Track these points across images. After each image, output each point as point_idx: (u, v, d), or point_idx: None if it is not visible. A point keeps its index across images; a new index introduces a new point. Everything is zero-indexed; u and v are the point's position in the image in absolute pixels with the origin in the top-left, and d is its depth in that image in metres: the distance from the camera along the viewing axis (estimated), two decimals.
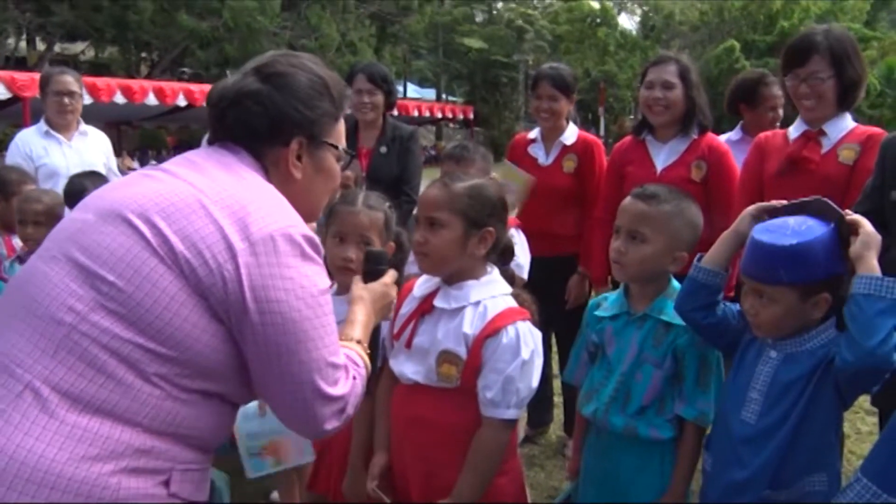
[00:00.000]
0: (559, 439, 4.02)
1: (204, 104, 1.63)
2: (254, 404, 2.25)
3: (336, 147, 1.62)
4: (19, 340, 1.28)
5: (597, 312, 2.23)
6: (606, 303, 2.23)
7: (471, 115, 29.84)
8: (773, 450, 1.83)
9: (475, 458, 1.91)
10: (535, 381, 1.91)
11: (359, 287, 1.80)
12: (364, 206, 2.24)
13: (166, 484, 1.32)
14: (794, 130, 2.92)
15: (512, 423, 1.93)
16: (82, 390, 1.26)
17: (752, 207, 1.95)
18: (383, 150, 3.95)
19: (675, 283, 2.12)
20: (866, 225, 1.75)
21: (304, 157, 1.56)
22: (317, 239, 1.46)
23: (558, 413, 4.12)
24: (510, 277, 2.07)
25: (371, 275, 1.84)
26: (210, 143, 1.57)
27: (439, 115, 28.25)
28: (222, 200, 1.37)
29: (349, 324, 1.68)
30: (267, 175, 1.52)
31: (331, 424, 1.45)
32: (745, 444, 1.87)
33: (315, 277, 1.42)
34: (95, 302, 1.29)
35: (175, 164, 1.50)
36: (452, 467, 1.93)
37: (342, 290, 2.14)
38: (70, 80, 4.24)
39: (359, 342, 1.63)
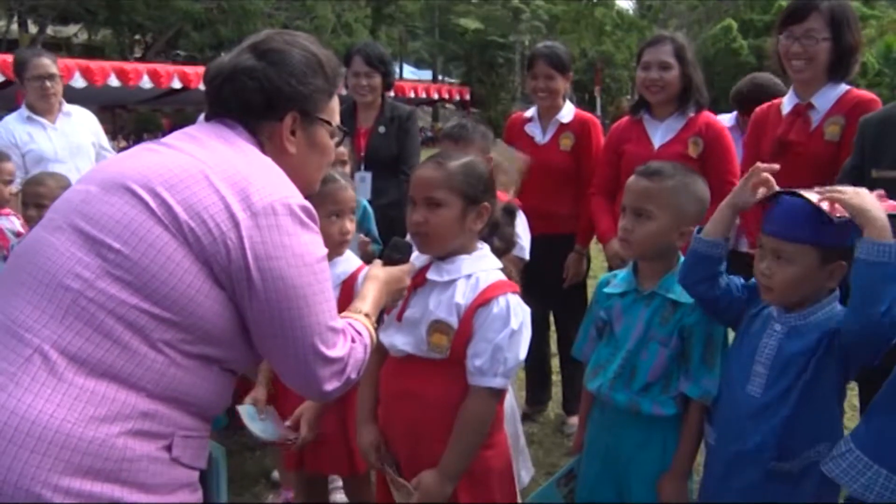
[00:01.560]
0: (558, 417, 4.04)
1: (199, 86, 1.66)
2: (254, 408, 2.39)
3: (329, 123, 1.66)
4: (27, 307, 1.33)
5: (606, 289, 2.23)
6: (616, 280, 2.23)
7: (467, 97, 29.65)
8: (777, 421, 1.84)
9: (461, 427, 1.93)
10: (522, 353, 1.93)
11: (376, 267, 1.87)
12: (346, 181, 2.35)
13: (168, 449, 1.37)
14: (786, 103, 2.91)
15: (498, 392, 1.94)
16: (89, 354, 1.30)
17: (750, 180, 1.89)
18: (382, 129, 3.94)
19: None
20: (845, 193, 1.69)
21: (298, 131, 1.61)
22: (313, 209, 1.51)
23: (557, 391, 4.15)
24: (497, 251, 2.08)
25: (392, 261, 1.92)
26: (207, 119, 1.61)
27: (435, 97, 28.07)
28: (224, 172, 1.42)
29: (360, 298, 1.75)
30: (262, 149, 1.56)
31: (331, 385, 1.50)
32: (751, 417, 1.88)
33: (313, 245, 1.48)
34: (101, 269, 1.34)
35: (175, 138, 1.55)
36: (440, 441, 1.94)
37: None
38: (48, 62, 4.10)
39: (367, 315, 1.69)
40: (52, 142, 4.11)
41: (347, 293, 2.16)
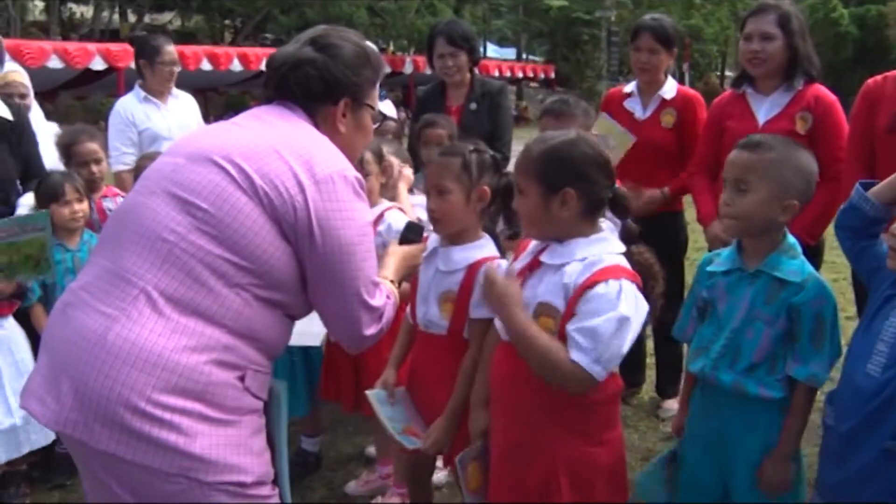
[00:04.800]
0: (652, 400, 3.97)
1: None
2: (385, 392, 2.41)
3: (372, 108, 1.95)
4: (131, 256, 1.61)
5: (708, 268, 2.19)
6: (719, 258, 2.17)
7: (552, 75, 29.33)
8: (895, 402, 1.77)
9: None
10: (625, 345, 1.78)
11: (394, 245, 2.19)
12: (437, 156, 2.33)
13: (242, 379, 1.65)
14: None
15: (592, 380, 1.77)
16: (182, 295, 1.58)
17: None
18: (473, 107, 3.91)
19: (791, 240, 2.05)
20: None
21: (348, 115, 1.89)
22: (364, 181, 1.81)
23: (651, 374, 4.07)
24: (628, 233, 1.97)
25: (406, 241, 2.22)
26: (269, 99, 1.89)
27: (520, 75, 27.88)
28: (291, 146, 1.70)
29: (383, 267, 2.04)
30: (318, 129, 1.84)
31: (369, 330, 1.80)
32: (868, 397, 1.82)
33: (363, 212, 1.78)
34: (192, 225, 1.62)
35: (246, 118, 1.85)
36: (545, 426, 1.90)
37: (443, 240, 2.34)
38: (174, 49, 4.44)
39: (392, 281, 2.00)
40: (166, 121, 4.39)
41: (469, 280, 2.21)
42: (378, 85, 1.97)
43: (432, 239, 2.34)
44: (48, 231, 2.89)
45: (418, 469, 2.58)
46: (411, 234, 2.26)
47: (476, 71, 4.06)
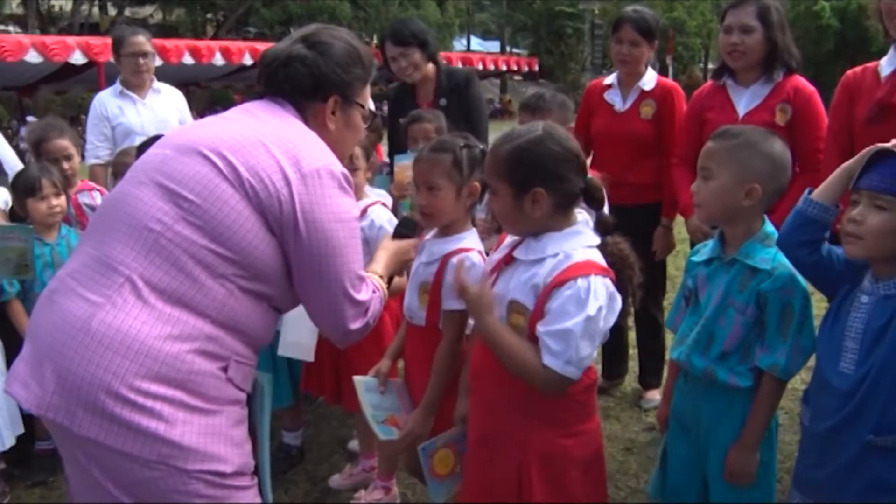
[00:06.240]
0: (634, 391, 3.99)
1: None
2: (375, 380, 2.39)
3: (363, 106, 1.96)
4: (118, 245, 1.63)
5: (693, 258, 2.20)
6: (705, 249, 2.18)
7: (536, 68, 29.33)
8: (874, 397, 1.76)
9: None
10: (595, 343, 1.78)
11: (387, 240, 2.21)
12: (427, 152, 2.27)
13: (225, 370, 1.66)
14: (886, 65, 2.72)
15: (567, 380, 1.78)
16: (167, 284, 1.60)
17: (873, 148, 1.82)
18: (443, 102, 3.78)
19: (769, 229, 2.05)
20: None
21: (338, 112, 1.91)
22: (350, 176, 1.81)
23: (633, 365, 4.09)
24: (603, 224, 1.94)
25: (399, 236, 2.24)
26: (260, 96, 1.90)
27: (504, 68, 27.85)
28: (278, 140, 1.72)
29: (374, 262, 2.08)
30: (307, 125, 1.85)
31: (354, 325, 1.81)
32: (845, 395, 1.81)
33: (349, 206, 1.79)
34: (178, 215, 1.63)
35: (236, 112, 1.87)
36: (517, 420, 1.89)
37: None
38: (143, 40, 4.27)
39: (380, 276, 2.01)
40: (140, 116, 4.28)
41: (441, 271, 2.21)
42: (369, 85, 1.97)
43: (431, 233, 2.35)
44: (30, 244, 2.96)
45: (414, 458, 2.59)
46: (405, 228, 2.26)
47: (441, 63, 3.91)
